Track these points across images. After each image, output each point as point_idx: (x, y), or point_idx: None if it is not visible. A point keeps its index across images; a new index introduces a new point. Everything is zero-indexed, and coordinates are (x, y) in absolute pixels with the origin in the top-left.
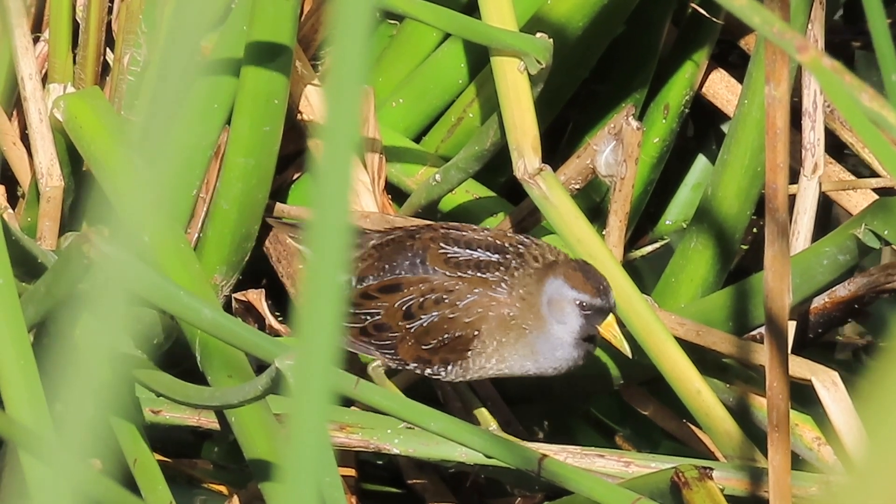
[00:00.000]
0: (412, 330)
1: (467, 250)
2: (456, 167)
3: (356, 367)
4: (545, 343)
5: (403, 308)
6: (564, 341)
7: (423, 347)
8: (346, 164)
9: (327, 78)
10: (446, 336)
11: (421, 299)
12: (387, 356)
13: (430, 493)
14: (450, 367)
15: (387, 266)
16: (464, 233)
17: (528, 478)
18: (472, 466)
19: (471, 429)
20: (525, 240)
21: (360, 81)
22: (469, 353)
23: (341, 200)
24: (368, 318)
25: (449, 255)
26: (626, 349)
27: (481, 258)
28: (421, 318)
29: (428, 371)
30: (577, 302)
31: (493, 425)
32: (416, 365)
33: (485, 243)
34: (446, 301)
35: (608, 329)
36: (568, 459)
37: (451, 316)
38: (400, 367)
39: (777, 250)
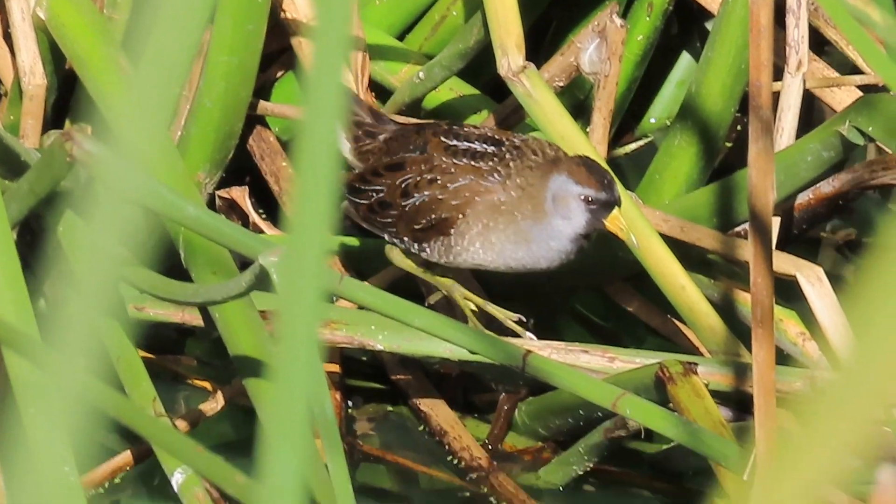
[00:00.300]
0: (406, 208)
1: (465, 142)
2: (440, 65)
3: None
4: (540, 232)
5: (403, 185)
6: (563, 234)
7: (415, 227)
8: (336, 64)
9: None
10: (433, 216)
11: (418, 178)
12: (391, 233)
13: (414, 388)
14: (433, 243)
15: (392, 157)
16: (465, 129)
17: (512, 373)
18: (456, 362)
19: (454, 324)
20: (524, 136)
21: None
22: (452, 230)
23: (331, 101)
24: (374, 194)
25: (448, 145)
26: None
27: (477, 149)
28: (414, 197)
29: (416, 247)
30: (583, 197)
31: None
32: (408, 241)
33: (483, 137)
34: (438, 182)
35: (614, 222)
36: (552, 355)
37: (441, 197)
38: (400, 246)
39: (761, 147)
